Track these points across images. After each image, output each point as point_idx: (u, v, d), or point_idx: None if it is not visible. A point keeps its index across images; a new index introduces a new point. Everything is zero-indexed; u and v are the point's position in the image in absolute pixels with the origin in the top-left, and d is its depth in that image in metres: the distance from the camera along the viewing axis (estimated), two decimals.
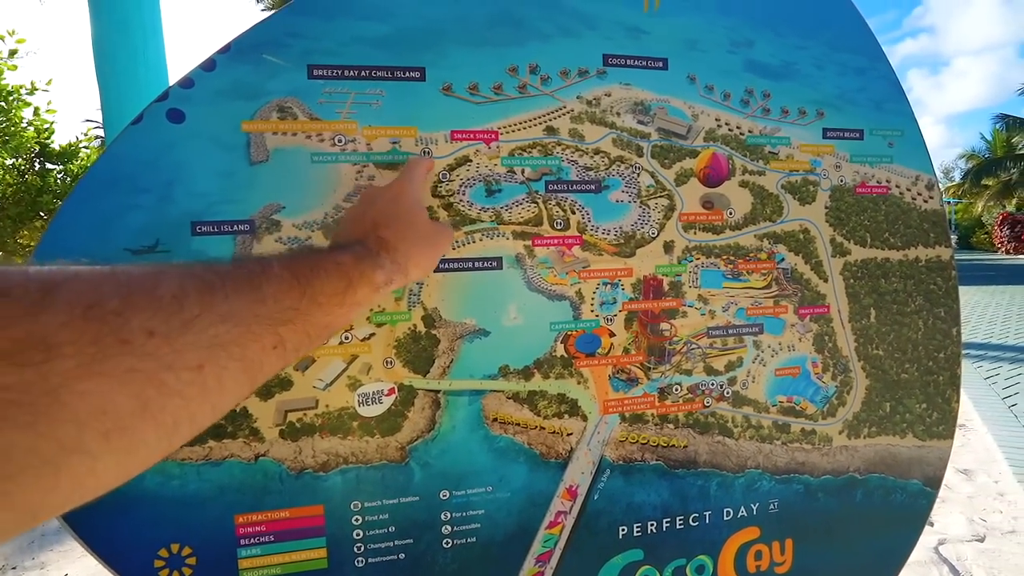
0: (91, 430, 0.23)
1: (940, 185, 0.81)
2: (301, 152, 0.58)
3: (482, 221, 0.62)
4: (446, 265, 0.61)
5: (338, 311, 0.39)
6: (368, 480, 0.61)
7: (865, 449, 0.77)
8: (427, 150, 0.61)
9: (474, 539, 0.64)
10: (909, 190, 0.77)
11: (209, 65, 0.56)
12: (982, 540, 2.27)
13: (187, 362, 0.27)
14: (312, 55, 0.58)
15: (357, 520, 0.61)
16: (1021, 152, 23.53)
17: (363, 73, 0.59)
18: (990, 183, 24.81)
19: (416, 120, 0.60)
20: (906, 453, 0.79)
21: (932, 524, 2.33)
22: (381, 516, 0.61)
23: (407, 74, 0.60)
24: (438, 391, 0.62)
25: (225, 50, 0.56)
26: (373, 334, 0.60)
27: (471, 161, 0.62)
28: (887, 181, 0.76)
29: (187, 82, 0.55)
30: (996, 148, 25.75)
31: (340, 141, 0.59)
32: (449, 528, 0.63)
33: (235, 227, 0.56)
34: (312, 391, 0.59)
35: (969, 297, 8.51)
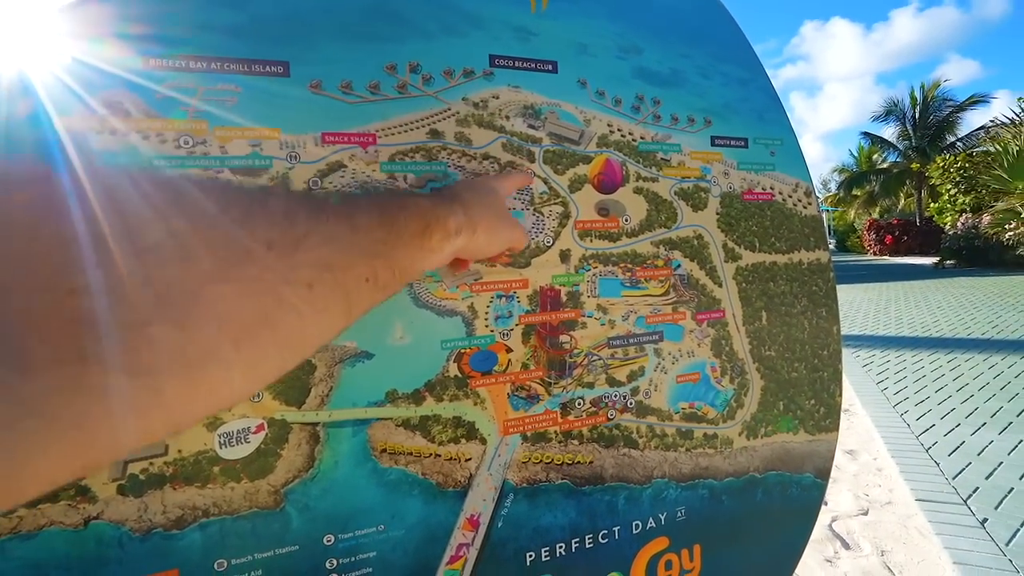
0: (225, 336, 0.24)
1: (818, 194, 0.86)
2: (137, 156, 0.49)
3: None
4: None
5: (418, 254, 0.40)
6: (235, 533, 0.52)
7: (763, 448, 0.79)
8: (293, 154, 0.54)
9: None
10: (790, 196, 0.81)
11: None
12: (866, 513, 2.50)
13: (300, 278, 0.28)
14: (147, 42, 0.49)
15: None
16: (880, 167, 26.95)
17: (213, 65, 0.51)
18: (859, 193, 28.18)
19: (279, 120, 0.53)
20: (799, 448, 0.82)
21: (827, 503, 2.53)
22: (253, 573, 0.53)
23: (267, 68, 0.53)
24: (316, 423, 0.55)
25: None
26: None
27: (346, 167, 0.55)
28: (771, 188, 0.80)
29: None
30: (862, 162, 29.33)
31: (187, 143, 0.50)
32: None
33: None
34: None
35: (845, 294, 9.54)
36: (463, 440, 0.60)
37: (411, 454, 0.58)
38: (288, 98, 0.53)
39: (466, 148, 0.60)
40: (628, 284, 0.69)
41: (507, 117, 0.62)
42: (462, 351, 0.60)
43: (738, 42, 0.77)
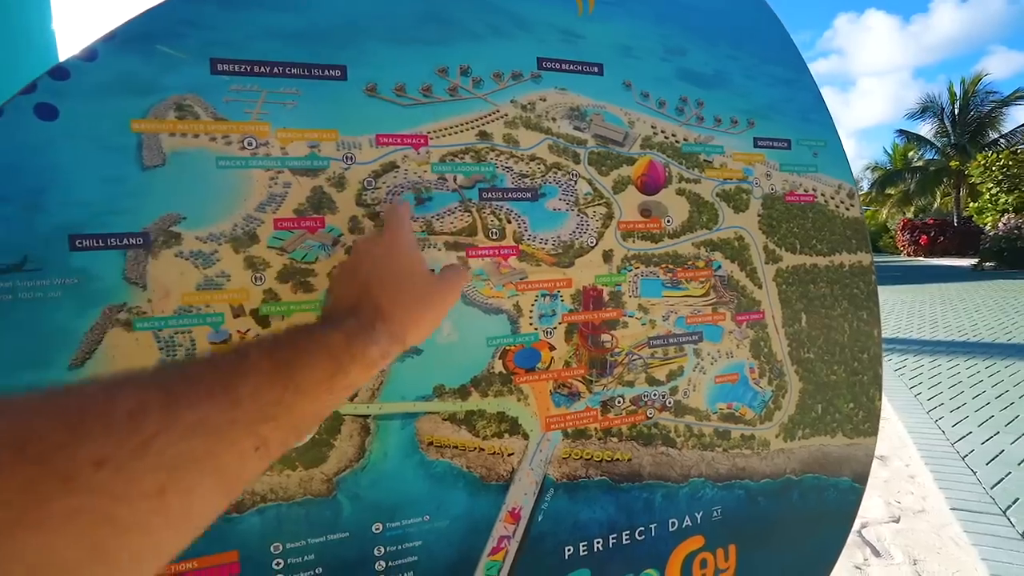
0: None
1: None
2: (204, 155, 0.51)
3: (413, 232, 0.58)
4: None
5: (327, 398, 0.35)
6: (290, 518, 0.55)
7: (800, 451, 0.79)
8: (349, 155, 0.56)
9: (411, 573, 0.59)
10: (833, 198, 0.80)
11: (89, 55, 0.48)
12: (897, 521, 2.44)
13: (144, 489, 0.24)
14: (215, 47, 0.52)
15: (279, 564, 0.54)
16: (916, 165, 26.06)
17: (276, 70, 0.53)
18: (892, 192, 27.30)
19: (337, 122, 0.55)
20: (836, 452, 0.82)
21: None
22: (306, 557, 0.55)
23: (326, 72, 0.55)
24: (367, 416, 0.57)
25: (109, 38, 0.49)
26: None
27: (398, 167, 0.57)
28: (813, 189, 0.79)
29: (61, 73, 0.47)
30: (896, 160, 28.40)
31: (250, 144, 0.53)
32: (383, 564, 0.58)
33: (125, 240, 0.49)
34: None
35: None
36: (506, 435, 0.62)
37: (456, 447, 0.60)
38: (345, 101, 0.55)
39: (514, 149, 0.62)
40: (669, 284, 0.69)
41: (554, 119, 0.63)
42: (507, 348, 0.62)
43: (782, 42, 0.77)
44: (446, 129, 0.59)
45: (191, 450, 0.26)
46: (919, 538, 2.28)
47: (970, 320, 6.73)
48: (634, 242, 0.67)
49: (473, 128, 0.60)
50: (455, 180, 0.59)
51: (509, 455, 0.62)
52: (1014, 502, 2.44)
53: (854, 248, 0.82)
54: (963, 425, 3.33)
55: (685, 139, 0.70)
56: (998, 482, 2.62)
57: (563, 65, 0.64)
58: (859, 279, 0.82)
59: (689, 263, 0.71)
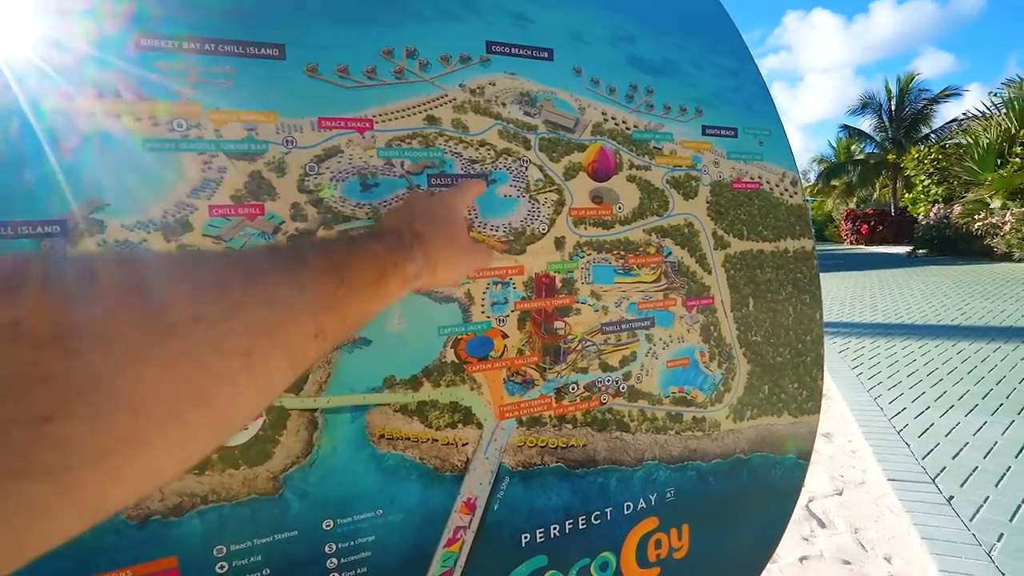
0: (146, 419, 0.22)
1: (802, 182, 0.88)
2: (128, 137, 0.48)
3: (357, 219, 0.56)
4: None
5: (371, 302, 0.38)
6: (234, 519, 0.52)
7: (748, 430, 0.82)
8: (290, 139, 0.53)
9: (364, 569, 0.57)
10: (777, 186, 0.83)
11: None
12: (840, 493, 2.59)
13: (234, 347, 0.26)
14: (140, 21, 0.48)
15: (222, 567, 0.52)
16: (858, 158, 27.45)
17: (207, 47, 0.50)
18: (837, 184, 28.69)
19: (276, 104, 0.53)
20: (783, 430, 0.85)
21: (804, 485, 2.62)
22: (252, 559, 0.53)
23: (263, 51, 0.52)
24: (315, 410, 0.55)
25: None
26: None
27: (343, 152, 0.55)
28: (759, 177, 0.81)
29: None
30: (840, 154, 29.83)
31: (181, 126, 0.50)
32: (335, 561, 0.56)
33: (38, 229, 0.45)
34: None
35: (823, 283, 9.72)
36: (460, 425, 0.61)
37: (409, 439, 0.59)
38: (285, 81, 0.53)
39: (463, 135, 0.60)
40: (621, 271, 0.70)
41: (503, 104, 0.62)
42: (459, 337, 0.61)
43: (729, 33, 0.78)
44: (392, 113, 0.57)
45: (268, 319, 0.28)
46: (859, 508, 2.43)
47: (905, 304, 7.18)
48: (586, 229, 0.68)
49: (420, 112, 0.58)
50: (403, 166, 0.58)
51: (463, 445, 0.62)
52: (942, 470, 2.63)
53: (797, 234, 0.85)
54: (899, 402, 3.56)
55: (635, 126, 0.71)
56: (928, 453, 2.82)
57: (513, 49, 0.63)
58: (802, 264, 0.86)
59: (640, 249, 0.71)
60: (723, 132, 0.78)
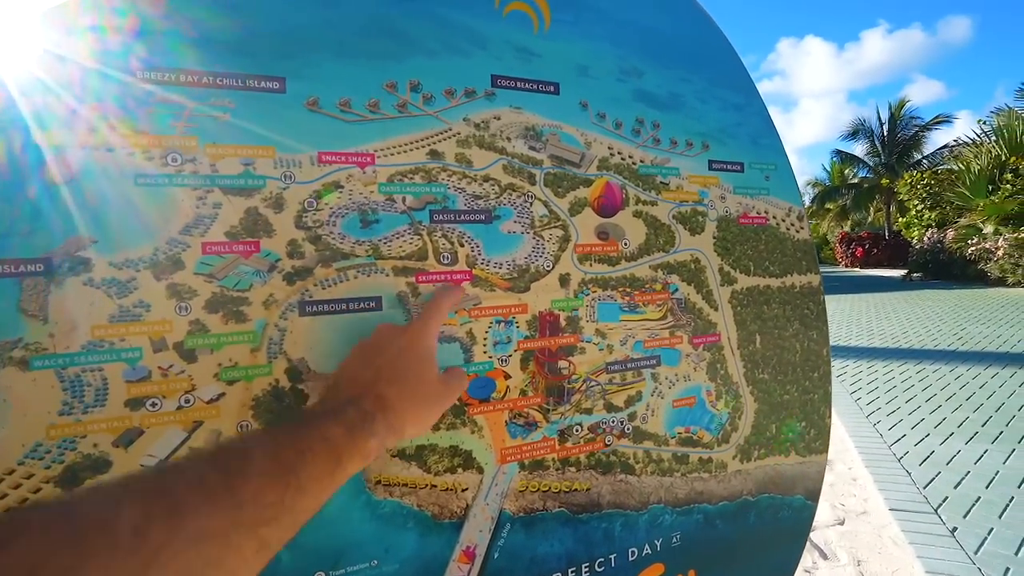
0: None
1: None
2: (120, 172, 0.46)
3: (357, 256, 0.54)
4: (314, 308, 0.52)
5: (324, 494, 0.36)
6: None
7: (756, 471, 0.79)
8: (288, 174, 0.51)
9: None
10: (784, 220, 0.82)
11: None
12: (842, 523, 2.54)
13: None
14: (137, 52, 0.47)
15: None
16: (852, 182, 27.81)
17: (205, 79, 0.49)
18: (831, 207, 29.00)
19: (274, 139, 0.51)
20: (790, 471, 0.83)
21: None
22: None
23: (263, 84, 0.51)
24: None
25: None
26: (223, 394, 0.49)
27: (343, 187, 0.53)
28: (765, 212, 0.80)
29: None
30: (834, 177, 30.22)
31: (175, 160, 0.48)
32: None
33: (21, 267, 0.43)
34: (139, 471, 0.46)
35: None
36: (460, 470, 0.59)
37: (406, 485, 0.56)
38: (284, 115, 0.51)
39: (467, 169, 0.59)
40: (626, 308, 0.68)
41: (508, 139, 0.61)
42: None
43: (734, 67, 0.78)
44: (394, 147, 0.56)
45: (195, 558, 0.26)
46: (862, 539, 2.38)
47: (901, 328, 7.18)
48: (591, 265, 0.66)
49: (423, 147, 0.57)
50: (404, 201, 0.56)
51: (463, 491, 0.59)
52: (944, 500, 2.59)
53: (804, 269, 0.84)
54: (898, 428, 3.52)
55: (641, 161, 0.70)
56: (930, 482, 2.78)
57: (518, 83, 0.62)
58: (809, 299, 0.84)
59: (647, 286, 0.70)
60: (729, 167, 0.77)
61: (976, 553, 2.18)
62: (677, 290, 0.72)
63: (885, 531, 2.42)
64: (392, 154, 0.55)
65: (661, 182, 0.71)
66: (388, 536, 0.56)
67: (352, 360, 0.48)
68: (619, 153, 0.68)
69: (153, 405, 0.47)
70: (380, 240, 0.55)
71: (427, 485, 0.57)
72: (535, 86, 0.63)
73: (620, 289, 0.68)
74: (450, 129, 0.58)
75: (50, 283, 0.44)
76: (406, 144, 0.56)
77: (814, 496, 0.86)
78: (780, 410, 0.81)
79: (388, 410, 0.42)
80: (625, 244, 0.68)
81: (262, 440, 0.35)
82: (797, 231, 0.83)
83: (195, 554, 0.26)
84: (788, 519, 0.83)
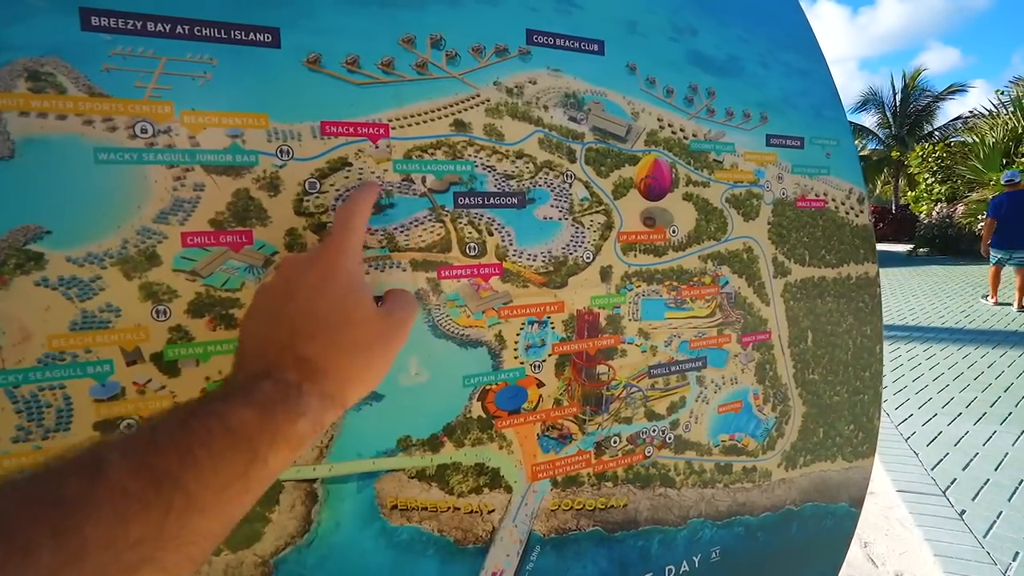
0: None
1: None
2: (76, 145, 0.37)
3: (368, 247, 0.45)
4: None
5: (234, 504, 0.26)
6: None
7: (801, 479, 0.72)
8: (285, 148, 0.42)
9: None
10: (843, 204, 0.73)
11: None
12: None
13: None
14: None
15: None
16: (861, 154, 27.30)
17: (180, 29, 0.39)
18: None
19: (267, 104, 0.42)
20: (836, 477, 0.76)
21: None
22: None
23: (252, 36, 0.41)
24: (314, 480, 0.45)
25: None
26: None
27: (351, 165, 0.44)
28: (824, 194, 0.71)
29: None
30: None
31: (145, 131, 0.39)
32: None
33: None
34: None
35: None
36: (486, 490, 0.52)
37: (426, 509, 0.49)
38: (279, 75, 0.42)
39: (497, 144, 0.50)
40: (672, 305, 0.60)
41: (545, 107, 0.52)
42: (487, 388, 0.51)
43: (800, 27, 0.68)
44: (413, 116, 0.46)
45: None
46: (869, 520, 2.36)
47: (907, 304, 7.12)
48: (635, 256, 0.57)
49: (447, 116, 0.48)
50: (424, 182, 0.47)
51: (489, 512, 0.52)
52: (952, 482, 2.57)
53: (861, 258, 0.75)
54: (905, 407, 3.49)
55: (694, 135, 0.60)
56: (937, 463, 2.75)
57: (557, 40, 0.52)
58: (864, 292, 0.76)
59: (695, 279, 0.61)
60: (788, 142, 0.67)
61: (985, 536, 2.16)
62: (727, 283, 0.64)
63: (892, 512, 2.40)
64: (410, 125, 0.46)
65: (714, 160, 0.62)
66: (405, 566, 0.49)
67: (256, 313, 0.37)
68: (670, 125, 0.58)
69: (128, 427, 0.39)
70: (396, 228, 0.46)
71: (449, 508, 0.50)
72: (577, 44, 0.53)
73: (666, 283, 0.59)
74: (478, 95, 0.49)
75: None
76: (426, 112, 0.47)
77: (858, 503, 0.80)
78: (829, 413, 0.74)
79: (318, 376, 0.32)
80: (673, 231, 0.59)
81: (124, 447, 0.24)
82: (856, 215, 0.74)
83: None
84: (831, 528, 0.77)
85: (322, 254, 0.37)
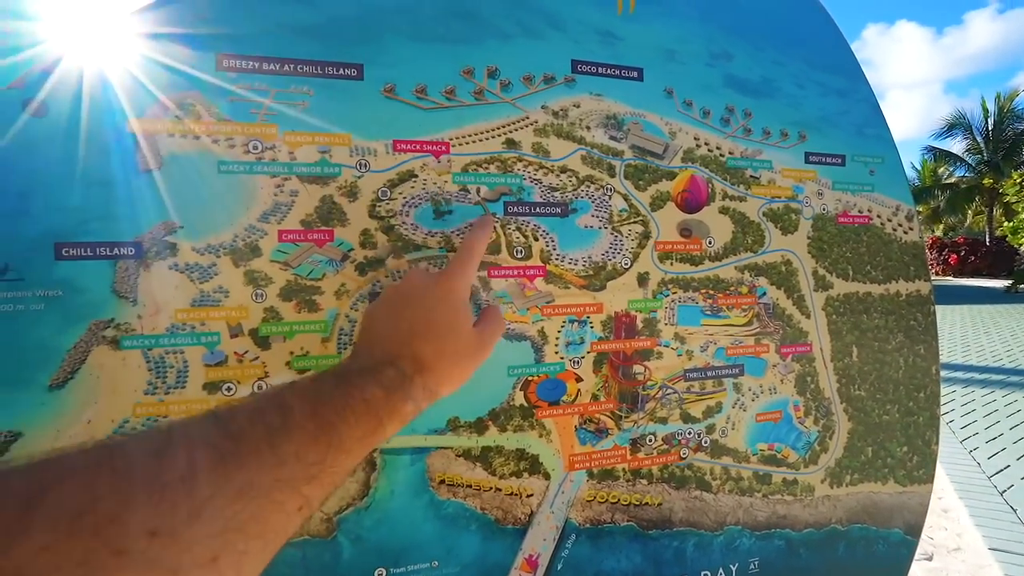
0: None
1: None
2: (205, 159, 0.47)
3: (428, 247, 0.52)
4: None
5: (363, 453, 0.35)
6: (284, 560, 0.49)
7: (847, 498, 0.71)
8: (364, 162, 0.51)
9: None
10: (890, 220, 0.73)
11: (85, 48, 0.44)
12: (930, 559, 2.30)
13: (197, 558, 0.23)
14: (221, 42, 0.47)
15: None
16: (946, 182, 25.37)
17: (286, 67, 0.49)
18: (921, 209, 26.60)
19: (351, 126, 0.50)
20: (888, 500, 0.74)
21: None
22: None
23: (341, 71, 0.50)
24: (374, 449, 0.51)
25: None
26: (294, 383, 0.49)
27: (416, 176, 0.52)
28: (868, 211, 0.72)
29: (52, 67, 0.43)
30: (925, 177, 27.69)
31: (256, 148, 0.48)
32: None
33: (115, 250, 0.45)
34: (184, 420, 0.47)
35: None
36: (526, 474, 0.56)
37: (470, 487, 0.54)
38: (361, 102, 0.51)
39: (544, 160, 0.56)
40: (709, 312, 0.63)
41: (588, 128, 0.58)
42: (529, 379, 0.56)
43: (837, 47, 0.70)
44: (470, 136, 0.54)
45: (241, 514, 0.25)
46: None
47: (1004, 345, 6.47)
48: (672, 264, 0.61)
49: (500, 136, 0.55)
50: (478, 192, 0.54)
51: (528, 496, 0.56)
52: None
53: (912, 275, 0.74)
54: (1000, 457, 3.16)
55: (730, 152, 0.64)
56: None
57: (599, 69, 0.58)
58: (916, 310, 0.75)
59: (731, 289, 0.64)
60: (828, 160, 0.69)
61: None
62: (765, 294, 0.66)
63: (983, 572, 2.17)
64: (467, 143, 0.53)
65: (751, 176, 0.65)
66: (450, 537, 0.54)
67: (384, 309, 0.44)
68: (706, 144, 0.63)
69: (228, 390, 0.47)
70: (453, 232, 0.53)
71: (492, 488, 0.55)
72: (617, 72, 0.59)
73: (703, 291, 0.62)
74: (527, 117, 0.56)
75: (140, 266, 0.45)
76: (482, 132, 0.54)
77: (915, 531, 0.77)
78: (878, 432, 0.73)
79: (425, 372, 0.40)
80: (710, 243, 0.63)
81: (303, 397, 0.33)
82: (905, 232, 0.74)
83: (240, 509, 0.26)
84: (884, 554, 0.74)
85: (446, 275, 0.45)
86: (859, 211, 0.71)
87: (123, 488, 0.23)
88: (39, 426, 0.43)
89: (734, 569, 0.66)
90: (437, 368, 0.41)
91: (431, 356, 0.41)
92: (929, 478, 0.77)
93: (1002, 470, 3.00)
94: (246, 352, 0.48)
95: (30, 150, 0.43)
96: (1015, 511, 2.57)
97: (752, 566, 0.66)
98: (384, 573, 0.52)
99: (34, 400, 0.43)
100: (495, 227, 0.54)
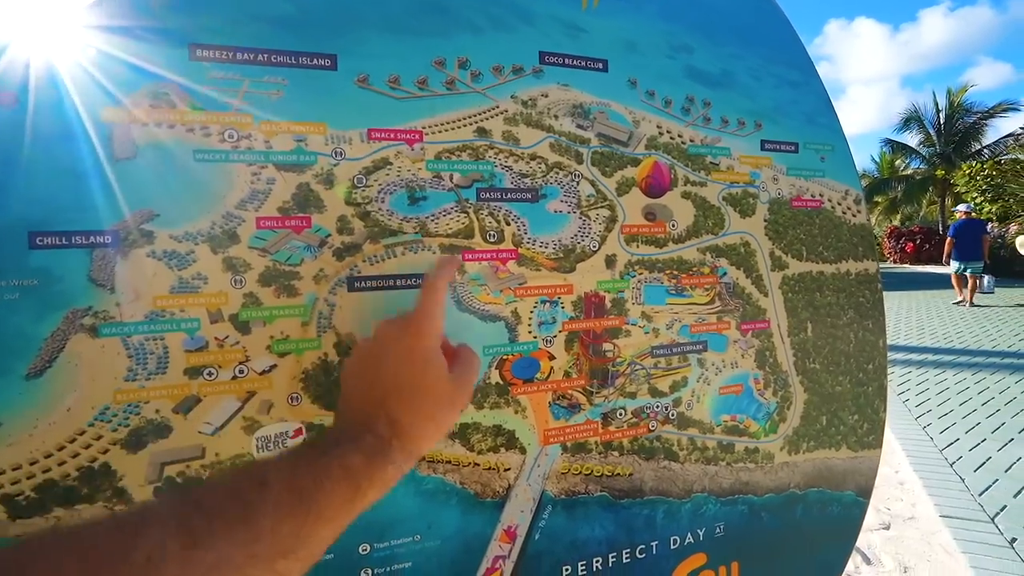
0: None
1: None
2: (181, 148, 0.48)
3: (404, 233, 0.54)
4: (363, 284, 0.52)
5: (344, 521, 0.35)
6: None
7: (804, 464, 0.76)
8: (339, 150, 0.52)
9: None
10: (840, 204, 0.78)
11: (57, 39, 0.44)
12: (887, 528, 2.44)
13: None
14: (195, 33, 0.48)
15: None
16: (903, 173, 26.41)
17: (260, 57, 0.50)
18: (880, 200, 27.64)
19: (326, 115, 0.52)
20: (841, 465, 0.79)
21: None
22: None
23: (315, 61, 0.51)
24: None
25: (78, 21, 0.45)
26: (275, 366, 0.50)
27: (391, 164, 0.54)
28: (820, 195, 0.77)
29: (25, 58, 0.43)
30: (883, 169, 28.76)
31: (231, 137, 0.49)
32: None
33: (91, 239, 0.45)
34: (197, 437, 0.48)
35: None
36: (503, 449, 0.59)
37: (450, 462, 0.57)
38: (335, 92, 0.52)
39: (513, 147, 0.58)
40: (673, 292, 0.67)
41: (556, 116, 0.60)
42: (504, 357, 0.58)
43: (790, 42, 0.75)
44: (442, 125, 0.56)
45: None
46: (909, 545, 2.28)
47: (955, 327, 6.81)
48: (638, 247, 0.64)
49: (471, 124, 0.57)
50: (451, 179, 0.56)
51: (505, 470, 0.59)
52: (1002, 509, 2.45)
53: (860, 256, 0.80)
54: (951, 432, 3.35)
55: (691, 140, 0.68)
56: (986, 489, 2.63)
57: (566, 60, 0.61)
58: (865, 287, 0.80)
59: (694, 269, 0.68)
60: (783, 147, 0.74)
61: None
62: (726, 274, 0.70)
63: (935, 538, 2.31)
64: (440, 131, 0.55)
65: (711, 162, 0.69)
66: (431, 512, 0.56)
67: (357, 368, 0.44)
68: (668, 132, 0.66)
69: (210, 375, 0.48)
70: (427, 217, 0.55)
71: (470, 463, 0.57)
72: (583, 63, 0.62)
73: (667, 272, 0.66)
74: (498, 107, 0.58)
75: (117, 255, 0.46)
76: (454, 121, 0.56)
77: (866, 493, 0.82)
78: (831, 402, 0.78)
79: (403, 435, 0.40)
80: (673, 226, 0.66)
81: (280, 469, 0.33)
82: (854, 215, 0.79)
83: None
84: (837, 515, 0.80)
85: (414, 321, 0.43)
86: (811, 195, 0.76)
87: (91, 570, 0.23)
88: (17, 415, 0.43)
89: (701, 534, 0.70)
90: (413, 428, 0.41)
91: (406, 417, 0.40)
92: (878, 443, 0.82)
93: (952, 443, 3.18)
94: (226, 337, 0.49)
95: (2, 141, 0.43)
96: (963, 480, 2.73)
97: (718, 530, 0.71)
98: (368, 548, 0.54)
99: (12, 389, 0.43)
100: (469, 212, 0.56)
